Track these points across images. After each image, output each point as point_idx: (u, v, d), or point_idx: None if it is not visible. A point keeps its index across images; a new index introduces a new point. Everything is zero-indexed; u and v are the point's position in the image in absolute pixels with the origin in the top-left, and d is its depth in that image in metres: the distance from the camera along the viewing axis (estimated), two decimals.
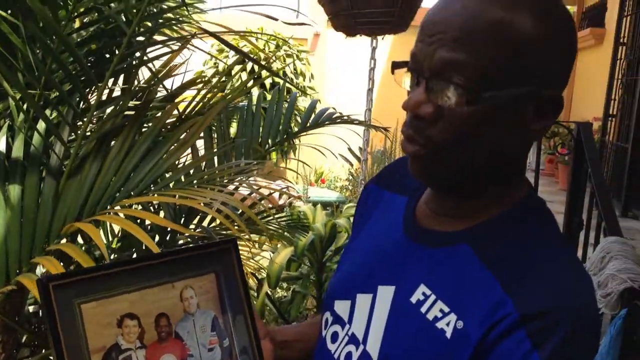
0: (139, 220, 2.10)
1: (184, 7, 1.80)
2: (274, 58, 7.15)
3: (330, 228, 4.00)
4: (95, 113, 1.60)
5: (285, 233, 2.29)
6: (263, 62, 7.28)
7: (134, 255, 2.17)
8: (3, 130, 1.59)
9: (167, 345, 0.89)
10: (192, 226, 2.17)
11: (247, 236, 2.04)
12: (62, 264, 1.71)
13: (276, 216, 2.40)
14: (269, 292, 4.00)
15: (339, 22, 2.18)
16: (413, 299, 0.82)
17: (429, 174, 0.82)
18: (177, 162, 1.85)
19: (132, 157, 1.55)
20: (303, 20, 1.95)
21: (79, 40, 1.64)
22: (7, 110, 1.62)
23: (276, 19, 1.88)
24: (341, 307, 0.92)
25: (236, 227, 1.88)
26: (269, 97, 7.27)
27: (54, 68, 1.59)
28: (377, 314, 0.86)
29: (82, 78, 1.59)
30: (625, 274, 1.94)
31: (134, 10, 1.56)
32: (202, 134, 2.26)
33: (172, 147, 1.59)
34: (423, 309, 0.80)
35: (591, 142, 3.00)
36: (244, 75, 7.31)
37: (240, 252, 2.59)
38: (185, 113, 2.14)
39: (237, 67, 7.33)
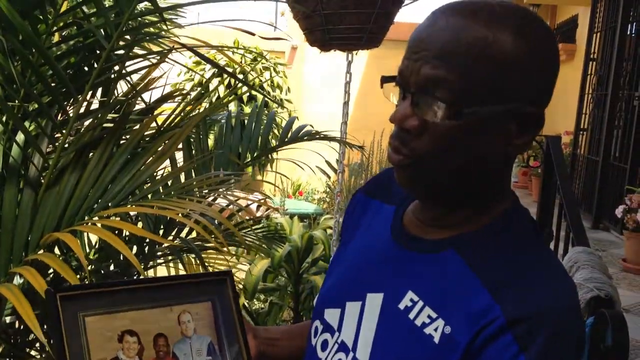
0: (117, 231, 2.13)
1: (163, 22, 1.83)
2: (250, 71, 7.17)
3: (307, 240, 4.03)
4: (74, 125, 1.62)
5: (263, 245, 2.31)
6: (240, 75, 7.32)
7: (112, 267, 2.19)
8: None
9: None
10: (170, 237, 2.19)
11: (224, 248, 2.06)
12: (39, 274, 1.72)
13: (253, 228, 2.42)
14: (245, 303, 4.01)
15: (313, 38, 2.23)
16: (401, 306, 0.84)
17: (413, 184, 0.85)
18: (155, 174, 1.88)
19: (110, 169, 1.57)
20: (279, 34, 1.98)
21: (58, 53, 1.66)
22: None
23: (253, 34, 1.92)
24: (331, 315, 0.95)
25: (213, 238, 1.91)
26: (246, 109, 7.32)
27: (34, 80, 1.61)
28: (366, 321, 0.88)
29: (62, 90, 1.61)
30: (592, 283, 1.99)
31: (113, 25, 1.59)
32: (180, 146, 2.30)
33: (150, 158, 1.61)
34: (411, 315, 0.82)
35: (560, 155, 3.08)
36: (221, 88, 7.33)
37: (218, 263, 2.61)
38: (164, 126, 2.17)
39: (214, 80, 7.36)
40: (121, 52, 1.86)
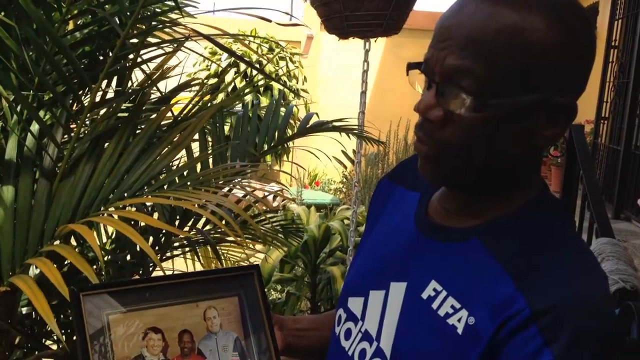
0: (132, 222, 2.12)
1: (178, 10, 1.80)
2: (266, 61, 7.15)
3: (324, 230, 4.01)
4: (89, 115, 1.60)
5: (280, 235, 2.29)
6: (256, 65, 7.29)
7: (128, 258, 2.18)
8: None
9: None
10: (186, 228, 2.17)
11: (243, 238, 2.04)
12: (55, 265, 1.71)
13: (270, 219, 2.40)
14: None
15: (332, 25, 2.19)
16: (424, 295, 0.82)
17: (437, 175, 0.83)
18: (171, 164, 1.86)
19: (125, 159, 1.55)
20: (295, 22, 1.95)
21: (72, 42, 1.64)
22: (0, 112, 1.62)
23: (269, 20, 1.89)
24: (355, 304, 0.93)
25: (230, 229, 1.88)
26: (262, 99, 7.30)
27: (48, 69, 1.59)
28: (389, 311, 0.86)
29: (76, 80, 1.59)
30: (617, 275, 1.95)
31: (128, 13, 1.56)
32: (196, 137, 2.27)
33: (166, 149, 1.58)
34: (434, 305, 0.80)
35: (583, 144, 3.02)
36: (237, 78, 7.31)
37: (234, 254, 2.59)
38: (181, 116, 2.15)
39: (230, 70, 7.35)
40: (135, 40, 1.84)
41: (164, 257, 2.19)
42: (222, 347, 0.96)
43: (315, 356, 1.09)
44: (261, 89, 7.49)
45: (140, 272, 2.17)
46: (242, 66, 7.37)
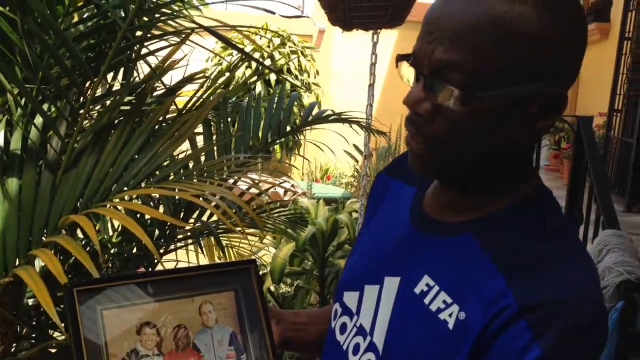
0: (138, 214, 2.13)
1: (183, 3, 1.81)
2: (278, 55, 7.15)
3: (332, 223, 4.01)
4: (93, 107, 1.62)
5: (286, 228, 2.29)
6: (267, 59, 7.32)
7: (134, 250, 2.20)
8: (1, 124, 1.61)
9: (184, 355, 0.95)
10: (191, 220, 2.18)
11: (243, 230, 2.05)
12: (61, 257, 1.73)
13: (277, 211, 2.40)
14: (271, 287, 4.02)
15: (335, 16, 2.19)
16: (417, 290, 0.82)
17: (427, 169, 0.83)
18: (176, 157, 1.87)
19: (128, 151, 1.56)
20: (305, 16, 1.96)
21: (77, 34, 1.65)
22: (5, 105, 1.64)
23: (273, 12, 1.89)
24: (350, 298, 0.94)
25: (233, 222, 1.90)
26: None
27: (52, 63, 1.60)
28: (383, 306, 0.86)
29: (80, 73, 1.61)
30: (622, 267, 1.94)
31: (132, 6, 1.57)
32: (201, 130, 2.29)
33: (168, 140, 1.60)
34: (426, 300, 0.80)
35: (591, 136, 3.00)
36: (248, 72, 7.32)
37: (243, 247, 2.59)
38: (186, 108, 2.16)
39: (239, 65, 7.35)
40: (140, 33, 1.85)
41: (169, 249, 2.21)
42: (218, 341, 0.97)
43: (314, 350, 1.09)
44: (272, 83, 7.50)
45: (146, 264, 2.19)
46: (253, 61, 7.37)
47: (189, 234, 2.05)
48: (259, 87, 7.26)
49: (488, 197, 0.83)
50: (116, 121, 1.63)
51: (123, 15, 1.66)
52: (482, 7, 0.72)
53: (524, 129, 0.77)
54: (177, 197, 2.04)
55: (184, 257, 2.46)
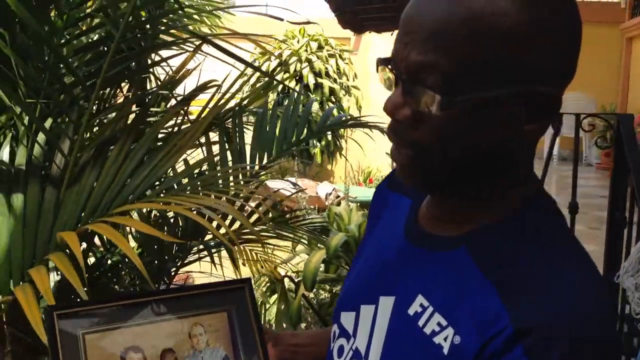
0: (158, 224, 2.13)
1: (179, 12, 1.79)
2: (315, 58, 7.14)
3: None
4: (95, 120, 1.61)
5: (302, 237, 2.26)
6: (305, 64, 7.33)
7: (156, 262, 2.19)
8: (7, 140, 1.62)
9: None
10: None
11: (260, 239, 2.03)
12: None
13: (295, 220, 2.37)
14: (305, 294, 3.98)
15: (344, 19, 2.14)
16: (411, 311, 0.77)
17: (414, 180, 0.78)
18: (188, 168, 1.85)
19: (128, 164, 1.55)
20: (314, 22, 1.92)
21: (78, 47, 1.65)
22: (11, 121, 1.65)
23: (281, 19, 1.86)
24: (347, 319, 0.89)
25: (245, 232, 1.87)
26: (312, 97, 7.30)
27: (54, 80, 1.61)
28: (378, 328, 0.82)
29: (80, 89, 1.61)
30: None
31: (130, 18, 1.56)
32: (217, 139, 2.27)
33: (169, 152, 1.58)
34: (420, 322, 0.75)
35: (631, 134, 2.84)
36: (287, 78, 7.33)
37: (273, 255, 2.55)
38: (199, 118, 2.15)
39: (279, 69, 7.36)
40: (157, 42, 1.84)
41: (185, 262, 2.20)
42: None
43: None
44: (312, 87, 7.49)
45: (165, 278, 2.19)
46: (292, 67, 7.38)
47: (202, 246, 2.03)
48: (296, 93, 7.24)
49: (482, 208, 0.77)
50: (118, 134, 1.62)
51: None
52: (456, 2, 0.67)
53: (511, 131, 0.71)
54: (192, 208, 2.03)
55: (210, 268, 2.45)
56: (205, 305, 0.95)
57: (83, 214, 1.52)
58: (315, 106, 6.83)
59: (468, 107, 0.68)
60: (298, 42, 7.59)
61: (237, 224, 2.27)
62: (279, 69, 6.64)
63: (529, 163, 0.79)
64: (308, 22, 1.75)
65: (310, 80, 7.27)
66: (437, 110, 0.68)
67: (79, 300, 1.42)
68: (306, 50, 7.47)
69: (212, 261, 1.93)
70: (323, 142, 7.05)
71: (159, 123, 1.60)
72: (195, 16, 2.45)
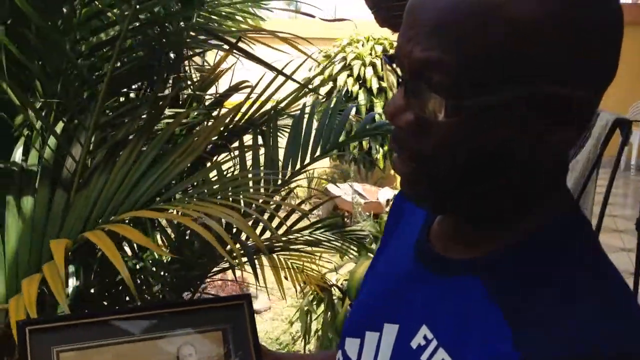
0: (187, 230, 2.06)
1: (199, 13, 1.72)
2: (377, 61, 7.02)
3: None
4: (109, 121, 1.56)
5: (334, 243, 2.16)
6: (369, 68, 7.19)
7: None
8: (20, 141, 1.59)
9: None
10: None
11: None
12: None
13: (325, 229, 2.27)
14: (349, 307, 3.88)
15: (381, 17, 2.01)
16: (414, 344, 0.68)
17: (419, 197, 0.67)
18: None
19: (137, 168, 1.48)
20: (347, 19, 1.82)
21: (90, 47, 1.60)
22: (26, 122, 1.62)
23: (313, 16, 1.76)
24: (351, 345, 0.80)
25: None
26: (376, 101, 7.16)
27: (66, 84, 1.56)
28: (381, 358, 0.73)
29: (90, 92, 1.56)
30: None
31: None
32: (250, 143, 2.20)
33: (181, 155, 1.51)
34: (424, 357, 0.66)
35: None
36: (350, 81, 7.25)
37: (318, 265, 2.46)
38: (234, 122, 2.08)
39: (342, 72, 7.29)
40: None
41: (215, 268, 2.12)
42: None
43: None
44: (375, 91, 7.35)
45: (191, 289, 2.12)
46: (355, 70, 7.28)
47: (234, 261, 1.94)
48: (361, 96, 7.14)
49: (499, 229, 0.66)
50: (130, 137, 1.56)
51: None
52: None
53: (534, 142, 0.59)
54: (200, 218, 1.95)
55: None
56: (198, 323, 0.86)
57: (88, 221, 1.47)
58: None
59: (477, 109, 0.57)
60: (362, 45, 7.47)
61: (281, 230, 2.18)
62: (327, 72, 6.57)
63: (557, 176, 0.67)
64: (341, 20, 1.65)
65: (374, 84, 7.12)
66: (443, 115, 0.58)
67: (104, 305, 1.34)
68: (370, 54, 7.34)
69: (254, 270, 1.84)
70: (386, 147, 6.89)
71: (172, 124, 1.53)
72: (238, 17, 2.39)
